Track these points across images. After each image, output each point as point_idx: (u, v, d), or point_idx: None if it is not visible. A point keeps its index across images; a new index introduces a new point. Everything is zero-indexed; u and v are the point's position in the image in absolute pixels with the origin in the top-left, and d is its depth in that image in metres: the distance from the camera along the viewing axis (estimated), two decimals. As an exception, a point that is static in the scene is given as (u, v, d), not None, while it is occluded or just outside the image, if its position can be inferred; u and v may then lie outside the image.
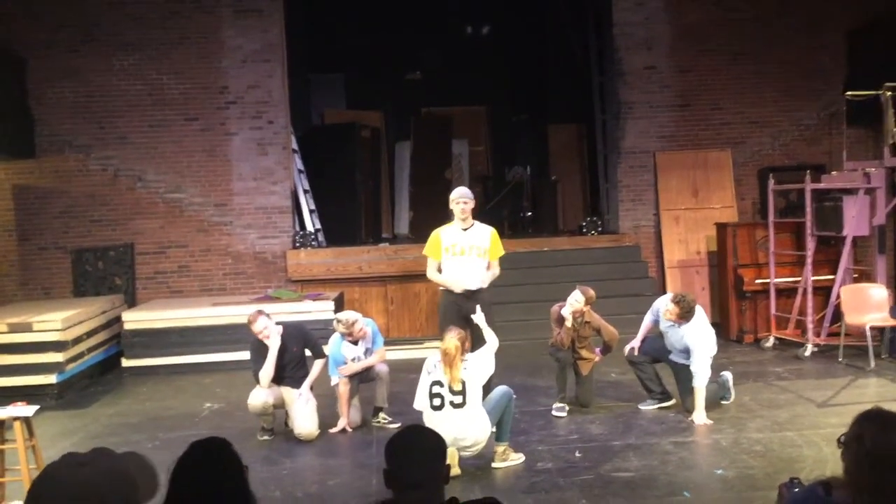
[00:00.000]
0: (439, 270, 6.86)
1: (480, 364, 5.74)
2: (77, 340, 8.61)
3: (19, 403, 5.49)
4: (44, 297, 10.57)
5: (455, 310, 6.62)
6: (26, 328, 8.25)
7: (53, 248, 10.68)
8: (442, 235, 6.82)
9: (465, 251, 6.74)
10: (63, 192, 10.66)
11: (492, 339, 6.12)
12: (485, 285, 6.75)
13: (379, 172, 13.48)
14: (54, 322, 8.28)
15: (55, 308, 9.06)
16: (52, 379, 8.13)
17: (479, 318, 6.34)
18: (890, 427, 2.28)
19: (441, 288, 6.88)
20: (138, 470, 1.85)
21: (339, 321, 6.79)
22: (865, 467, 2.25)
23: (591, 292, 6.98)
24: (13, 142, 10.10)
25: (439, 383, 5.58)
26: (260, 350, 6.62)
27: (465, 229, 6.79)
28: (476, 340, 6.16)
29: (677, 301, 6.65)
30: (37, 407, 5.55)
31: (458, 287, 6.66)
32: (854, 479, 2.29)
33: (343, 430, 6.69)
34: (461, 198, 6.77)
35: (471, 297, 6.64)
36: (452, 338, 5.63)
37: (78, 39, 10.56)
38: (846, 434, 2.35)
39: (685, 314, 6.61)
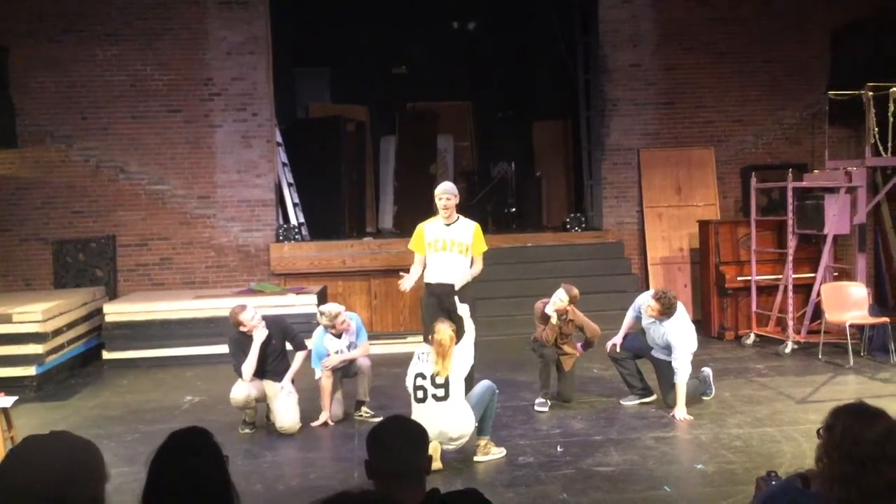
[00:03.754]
0: (425, 266, 6.83)
1: (463, 356, 5.74)
2: (57, 332, 8.55)
3: (-2, 394, 5.46)
4: (24, 288, 10.49)
5: (435, 307, 6.61)
6: (6, 319, 8.17)
7: (34, 240, 10.58)
8: (426, 230, 6.81)
9: (446, 246, 6.72)
10: (44, 182, 10.56)
11: (470, 329, 6.08)
12: (462, 284, 6.65)
13: (363, 167, 13.43)
14: (34, 313, 8.22)
15: (35, 299, 8.98)
16: (31, 371, 8.07)
17: (462, 309, 6.28)
18: (862, 420, 2.27)
19: (425, 282, 6.87)
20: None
21: (322, 313, 6.77)
22: (834, 458, 2.25)
23: (575, 291, 7.00)
24: (-6, 132, 10.02)
25: (422, 375, 5.59)
26: (240, 344, 6.59)
27: (448, 224, 6.76)
28: (459, 334, 6.15)
29: (659, 298, 6.68)
30: (15, 398, 5.53)
31: (407, 285, 6.65)
32: (823, 470, 2.30)
33: (325, 424, 6.68)
34: (444, 193, 6.75)
35: (451, 293, 6.62)
36: (446, 328, 5.64)
37: (60, 29, 10.46)
38: (822, 425, 2.36)
39: (666, 311, 6.65)
